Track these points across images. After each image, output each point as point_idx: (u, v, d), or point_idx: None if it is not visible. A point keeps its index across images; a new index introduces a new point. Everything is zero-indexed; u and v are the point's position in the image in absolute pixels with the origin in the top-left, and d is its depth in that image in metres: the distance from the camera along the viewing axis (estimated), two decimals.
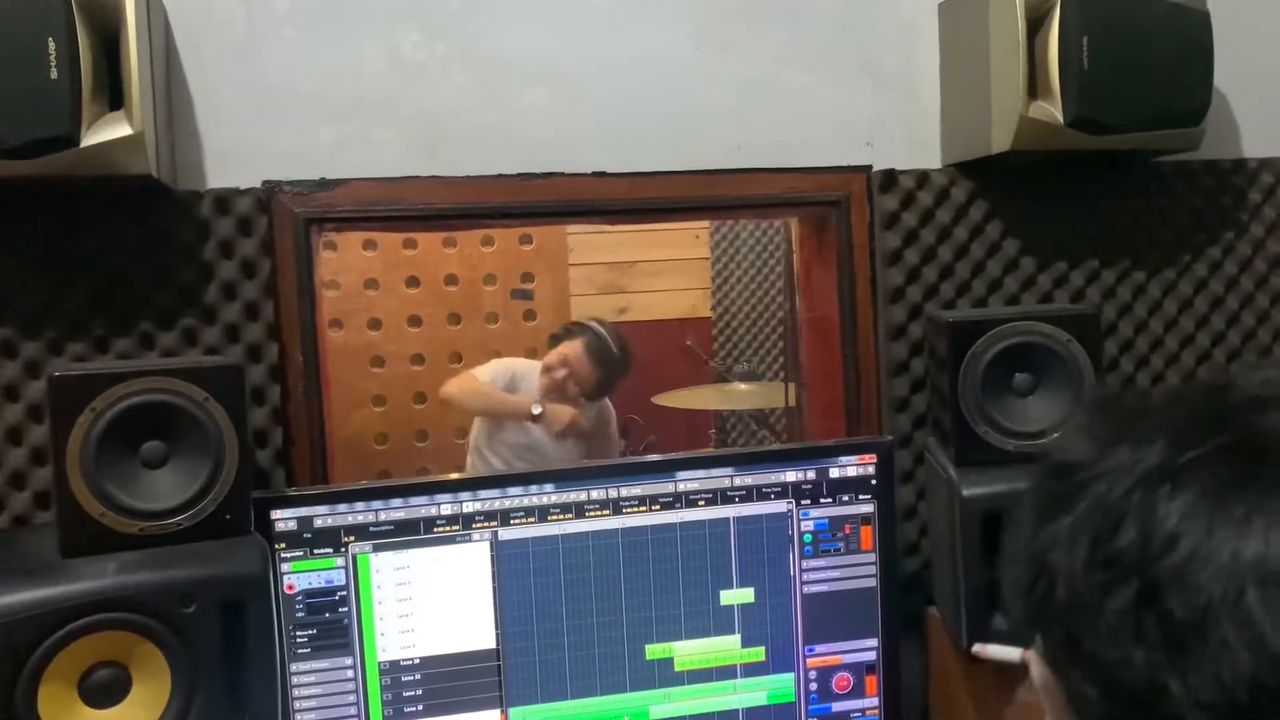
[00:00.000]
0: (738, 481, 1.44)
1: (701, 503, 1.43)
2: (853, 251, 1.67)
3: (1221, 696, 0.50)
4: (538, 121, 1.58)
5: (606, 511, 1.41)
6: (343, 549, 1.34)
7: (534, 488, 1.39)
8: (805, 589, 1.46)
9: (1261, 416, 0.57)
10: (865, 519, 1.47)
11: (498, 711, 1.39)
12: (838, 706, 1.49)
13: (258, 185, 1.48)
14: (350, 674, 1.35)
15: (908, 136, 1.69)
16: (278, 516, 1.32)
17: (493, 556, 1.38)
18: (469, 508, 1.37)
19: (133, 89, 1.25)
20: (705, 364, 4.24)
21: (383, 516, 1.35)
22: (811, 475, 1.46)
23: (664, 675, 1.43)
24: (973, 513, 1.42)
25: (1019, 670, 1.45)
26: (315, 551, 1.33)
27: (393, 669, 1.36)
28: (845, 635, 1.48)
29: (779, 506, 1.45)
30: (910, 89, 1.69)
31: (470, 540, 1.37)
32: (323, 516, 1.34)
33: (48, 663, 1.09)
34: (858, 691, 1.49)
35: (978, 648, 1.07)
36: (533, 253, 4.06)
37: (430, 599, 1.37)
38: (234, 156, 1.49)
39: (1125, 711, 0.55)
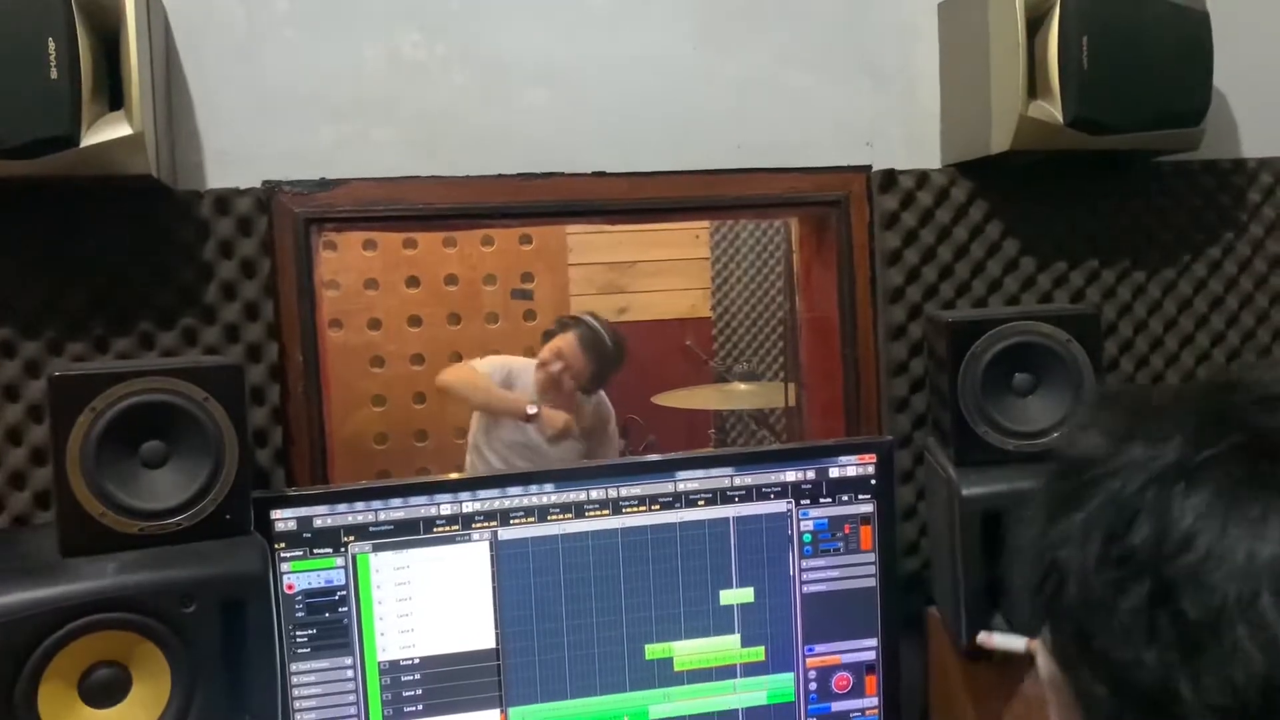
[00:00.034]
0: (737, 481, 1.44)
1: (701, 503, 1.43)
2: (852, 251, 1.67)
3: (1233, 699, 0.50)
4: (538, 121, 1.58)
5: (606, 511, 1.41)
6: (342, 549, 1.34)
7: (534, 487, 1.39)
8: (805, 589, 1.46)
9: (1276, 416, 0.56)
10: (865, 519, 1.47)
11: (497, 711, 1.39)
12: (837, 706, 1.49)
13: (258, 185, 1.48)
14: (350, 674, 1.35)
15: (907, 136, 1.69)
16: (277, 516, 1.32)
17: (492, 556, 1.38)
18: (469, 508, 1.37)
19: (133, 89, 1.25)
20: (705, 364, 4.24)
21: (382, 516, 1.35)
22: (811, 475, 1.46)
23: (664, 675, 1.43)
24: (972, 512, 1.42)
25: (1018, 670, 1.45)
26: (315, 551, 1.34)
27: (392, 669, 1.36)
28: (845, 635, 1.48)
29: (779, 506, 1.45)
30: (910, 89, 1.70)
31: (470, 540, 1.37)
32: (322, 516, 1.34)
33: (48, 662, 1.09)
34: (857, 691, 1.49)
35: (982, 636, 1.06)
36: (532, 253, 4.06)
37: (430, 599, 1.37)
38: (234, 156, 1.49)
39: (1135, 712, 0.54)
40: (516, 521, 1.38)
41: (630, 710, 1.43)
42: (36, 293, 1.40)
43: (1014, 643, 0.99)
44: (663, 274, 4.27)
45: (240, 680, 1.18)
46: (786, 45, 1.66)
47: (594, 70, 1.60)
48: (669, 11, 1.62)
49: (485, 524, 1.38)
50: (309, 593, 1.33)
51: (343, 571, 1.34)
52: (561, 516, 1.39)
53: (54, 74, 1.19)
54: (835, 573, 1.47)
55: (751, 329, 4.33)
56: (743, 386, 3.75)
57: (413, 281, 3.91)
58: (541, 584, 1.39)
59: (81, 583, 1.12)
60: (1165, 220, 1.74)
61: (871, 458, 1.47)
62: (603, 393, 3.23)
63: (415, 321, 3.93)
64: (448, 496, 1.37)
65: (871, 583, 1.48)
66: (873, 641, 1.49)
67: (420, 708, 1.37)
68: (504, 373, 3.18)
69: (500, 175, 1.57)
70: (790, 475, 1.45)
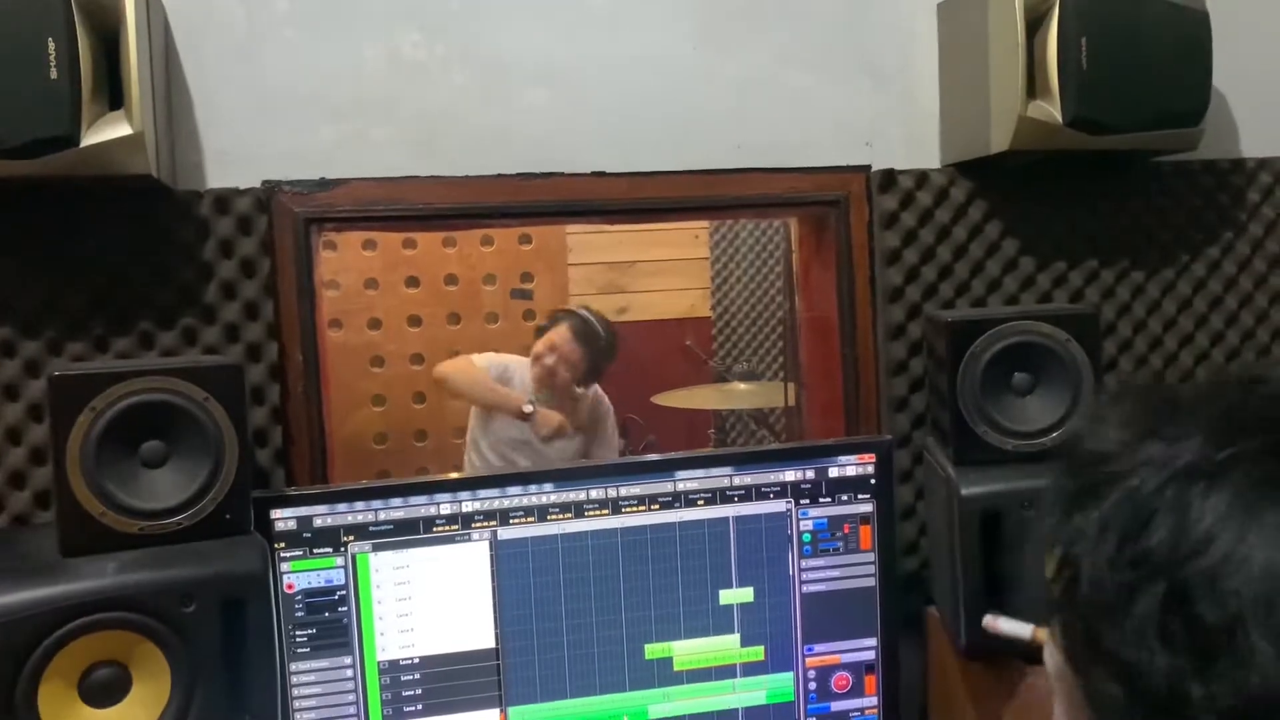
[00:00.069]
0: (737, 481, 1.44)
1: (701, 502, 1.43)
2: (852, 251, 1.67)
3: (1245, 704, 0.49)
4: (537, 121, 1.58)
5: (606, 511, 1.41)
6: (342, 548, 1.34)
7: (533, 487, 1.39)
8: (804, 588, 1.46)
9: None
10: (864, 518, 1.47)
11: (497, 711, 1.39)
12: (837, 706, 1.49)
13: (257, 185, 1.48)
14: (350, 673, 1.35)
15: (907, 136, 1.69)
16: (277, 516, 1.32)
17: (492, 556, 1.38)
18: (468, 507, 1.37)
19: (133, 89, 1.25)
20: (704, 364, 4.24)
21: (382, 516, 1.35)
22: (810, 475, 1.46)
23: (663, 675, 1.44)
24: (971, 512, 1.42)
25: (1018, 669, 1.45)
26: (315, 551, 1.34)
27: (392, 668, 1.36)
28: (844, 635, 1.48)
29: (778, 506, 1.45)
30: (909, 89, 1.70)
31: (469, 540, 1.37)
32: (322, 516, 1.34)
33: (48, 662, 1.09)
34: (857, 691, 1.49)
35: (988, 620, 1.06)
36: (532, 252, 4.06)
37: (429, 598, 1.37)
38: (234, 156, 1.49)
39: (1145, 712, 0.53)
40: (516, 521, 1.38)
41: (630, 710, 1.43)
42: (36, 293, 1.40)
43: (1020, 629, 0.98)
44: (662, 274, 4.27)
45: (240, 680, 1.18)
46: (786, 45, 1.66)
47: (594, 70, 1.60)
48: (669, 11, 1.62)
49: (485, 524, 1.38)
50: (309, 592, 1.34)
51: (342, 571, 1.34)
52: (561, 516, 1.40)
53: (54, 74, 1.19)
54: (835, 572, 1.47)
55: (751, 329, 4.33)
56: (742, 386, 3.75)
57: (412, 281, 3.91)
58: (541, 584, 1.39)
59: (81, 582, 1.12)
60: (1164, 220, 1.74)
61: (871, 457, 1.47)
62: (600, 390, 3.23)
63: (415, 321, 3.93)
64: (447, 496, 1.37)
65: (871, 582, 1.48)
66: (872, 641, 1.49)
67: (420, 707, 1.37)
68: (501, 369, 3.19)
69: (500, 175, 1.57)
70: (790, 475, 1.45)
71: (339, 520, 1.34)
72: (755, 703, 1.47)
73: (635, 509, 1.42)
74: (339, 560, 1.34)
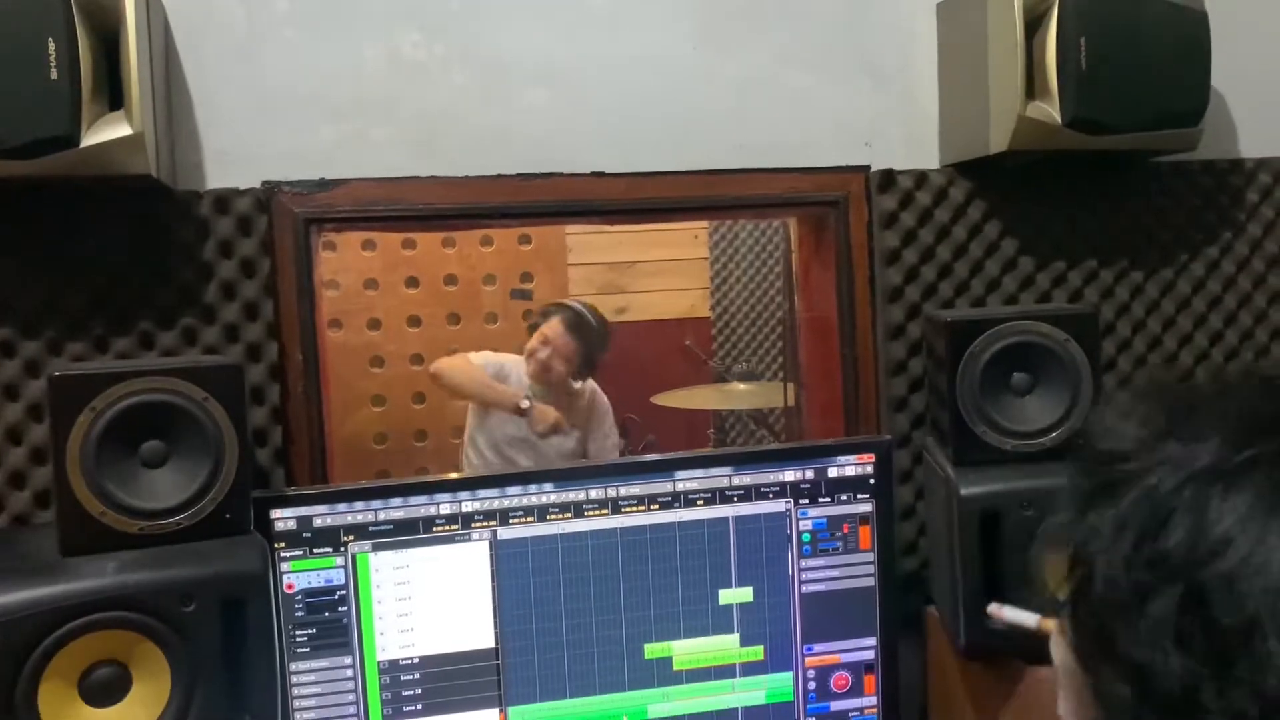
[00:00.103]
0: (736, 481, 1.44)
1: (700, 502, 1.43)
2: (851, 251, 1.67)
3: (1259, 711, 0.49)
4: (537, 121, 1.58)
5: (605, 511, 1.41)
6: (342, 548, 1.35)
7: (533, 487, 1.39)
8: (804, 588, 1.47)
9: None
10: (864, 518, 1.48)
11: (496, 710, 1.40)
12: (836, 705, 1.49)
13: (257, 185, 1.48)
14: (349, 673, 1.35)
15: (906, 136, 1.70)
16: (277, 516, 1.33)
17: (492, 556, 1.38)
18: (468, 507, 1.37)
19: (133, 89, 1.25)
20: (704, 364, 4.24)
21: (382, 516, 1.36)
22: (810, 475, 1.46)
23: (662, 674, 1.44)
24: (971, 512, 1.42)
25: (1017, 669, 1.45)
26: (315, 551, 1.34)
27: (392, 668, 1.36)
28: (844, 634, 1.48)
29: (777, 506, 1.45)
30: (909, 89, 1.70)
31: (469, 540, 1.38)
32: (322, 516, 1.34)
33: (48, 661, 1.09)
34: (856, 690, 1.49)
35: (992, 608, 1.06)
36: (532, 253, 4.06)
37: (429, 598, 1.37)
38: (234, 156, 1.49)
39: (1155, 715, 0.53)
40: (516, 521, 1.38)
41: (629, 709, 1.43)
42: (36, 293, 1.40)
43: (1025, 618, 0.98)
44: (662, 274, 4.27)
45: (240, 679, 1.18)
46: (786, 45, 1.66)
47: (594, 70, 1.60)
48: (669, 11, 1.62)
49: (484, 523, 1.38)
50: (309, 592, 1.34)
51: (342, 571, 1.34)
52: (561, 516, 1.40)
53: (54, 74, 1.19)
54: (834, 572, 1.47)
55: (750, 329, 4.33)
56: (742, 386, 3.75)
57: (412, 282, 3.91)
58: (541, 583, 1.39)
59: (81, 582, 1.12)
60: (1163, 220, 1.74)
61: (870, 457, 1.48)
62: (597, 387, 3.24)
63: (415, 321, 3.93)
64: (447, 496, 1.37)
65: (870, 582, 1.48)
66: (871, 641, 1.49)
67: (419, 707, 1.37)
68: (497, 368, 3.20)
69: (500, 175, 1.57)
70: (789, 475, 1.45)
71: (339, 520, 1.34)
72: (755, 702, 1.47)
73: (635, 509, 1.42)
74: (339, 560, 1.34)
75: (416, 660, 1.37)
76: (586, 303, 3.27)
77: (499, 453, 3.12)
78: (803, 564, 1.46)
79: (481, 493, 1.38)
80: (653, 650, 1.43)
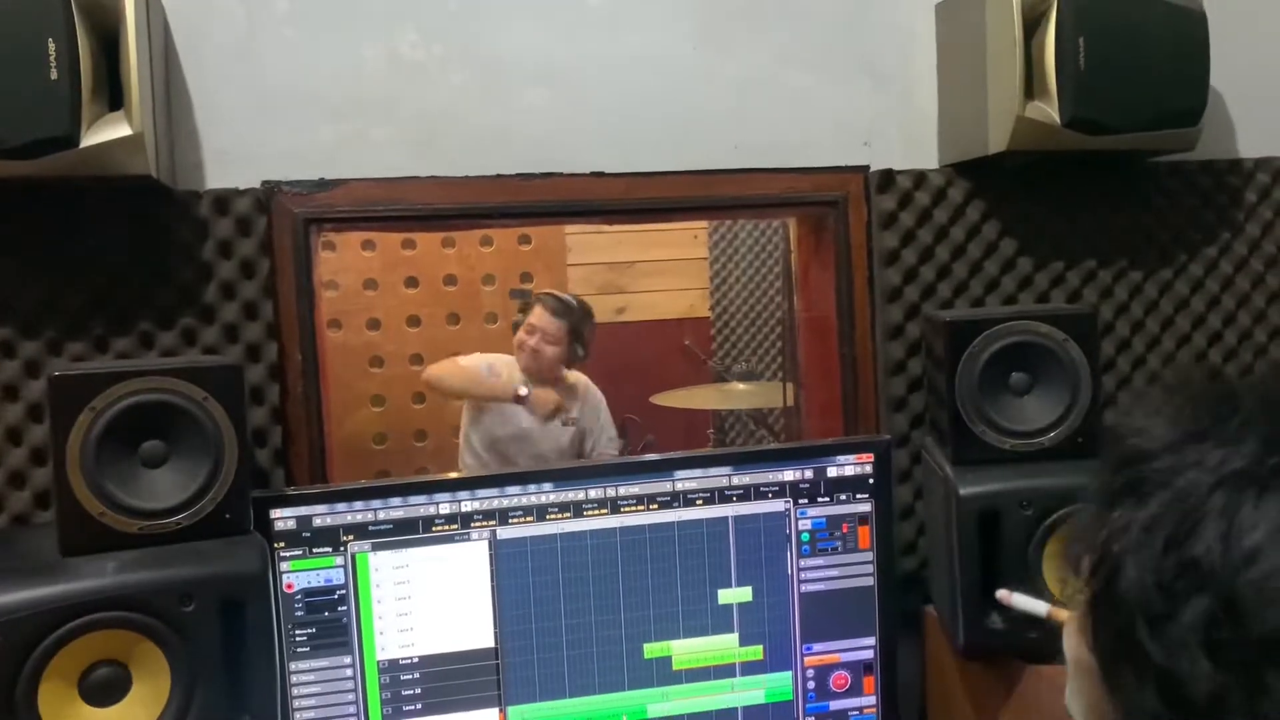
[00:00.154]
0: (735, 481, 1.44)
1: (699, 502, 1.43)
2: (850, 251, 1.67)
3: None
4: (536, 121, 1.59)
5: (604, 511, 1.41)
6: (342, 548, 1.35)
7: (532, 487, 1.39)
8: (803, 588, 1.47)
9: None
10: (863, 518, 1.48)
11: (496, 710, 1.40)
12: (835, 705, 1.49)
13: (257, 185, 1.48)
14: (349, 673, 1.35)
15: (905, 136, 1.70)
16: (277, 516, 1.33)
17: (491, 555, 1.38)
18: (467, 507, 1.37)
19: (132, 89, 1.25)
20: (704, 364, 4.24)
21: (381, 516, 1.36)
22: (809, 474, 1.46)
23: (662, 674, 1.44)
24: (970, 511, 1.43)
25: (1016, 668, 1.46)
26: (314, 550, 1.34)
27: (391, 668, 1.37)
28: (843, 634, 1.48)
29: (777, 505, 1.45)
30: (908, 89, 1.70)
31: (469, 539, 1.38)
32: (322, 516, 1.34)
33: (48, 661, 1.09)
34: (855, 690, 1.49)
35: (1002, 594, 1.06)
36: (531, 253, 4.07)
37: (429, 598, 1.37)
38: (233, 156, 1.49)
39: (1177, 718, 0.52)
40: (515, 521, 1.39)
41: (629, 709, 1.43)
42: (36, 293, 1.40)
43: (1035, 606, 0.98)
44: (661, 274, 4.27)
45: (240, 679, 1.18)
46: (786, 45, 1.66)
47: (593, 70, 1.60)
48: (669, 11, 1.62)
49: (484, 523, 1.38)
50: (308, 592, 1.34)
51: (342, 571, 1.35)
52: (560, 516, 1.40)
53: (54, 74, 1.19)
54: (833, 572, 1.47)
55: (750, 329, 4.33)
56: (741, 386, 3.75)
57: (412, 282, 3.91)
58: (540, 583, 1.40)
59: (81, 582, 1.12)
60: (1162, 220, 1.74)
61: (869, 457, 1.48)
62: (590, 381, 3.25)
63: (414, 322, 3.93)
64: (446, 496, 1.37)
65: (869, 582, 1.48)
66: (870, 640, 1.49)
67: (419, 706, 1.37)
68: (487, 367, 3.22)
69: (499, 175, 1.57)
70: (788, 474, 1.45)
71: (338, 520, 1.34)
72: (754, 702, 1.47)
73: (634, 509, 1.42)
74: (338, 560, 1.34)
75: (416, 660, 1.37)
76: (565, 292, 3.33)
77: (495, 451, 3.13)
78: (802, 564, 1.46)
79: (481, 492, 1.38)
80: (652, 650, 1.43)
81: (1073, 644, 0.63)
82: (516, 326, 3.21)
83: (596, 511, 1.41)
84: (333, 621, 1.35)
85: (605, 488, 1.41)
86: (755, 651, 1.46)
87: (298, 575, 1.33)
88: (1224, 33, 1.55)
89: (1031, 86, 1.49)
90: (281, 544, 1.32)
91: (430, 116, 1.56)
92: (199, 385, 1.22)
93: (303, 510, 1.34)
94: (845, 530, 1.47)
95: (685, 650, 1.44)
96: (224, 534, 1.22)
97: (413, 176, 1.55)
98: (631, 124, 1.61)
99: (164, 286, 1.44)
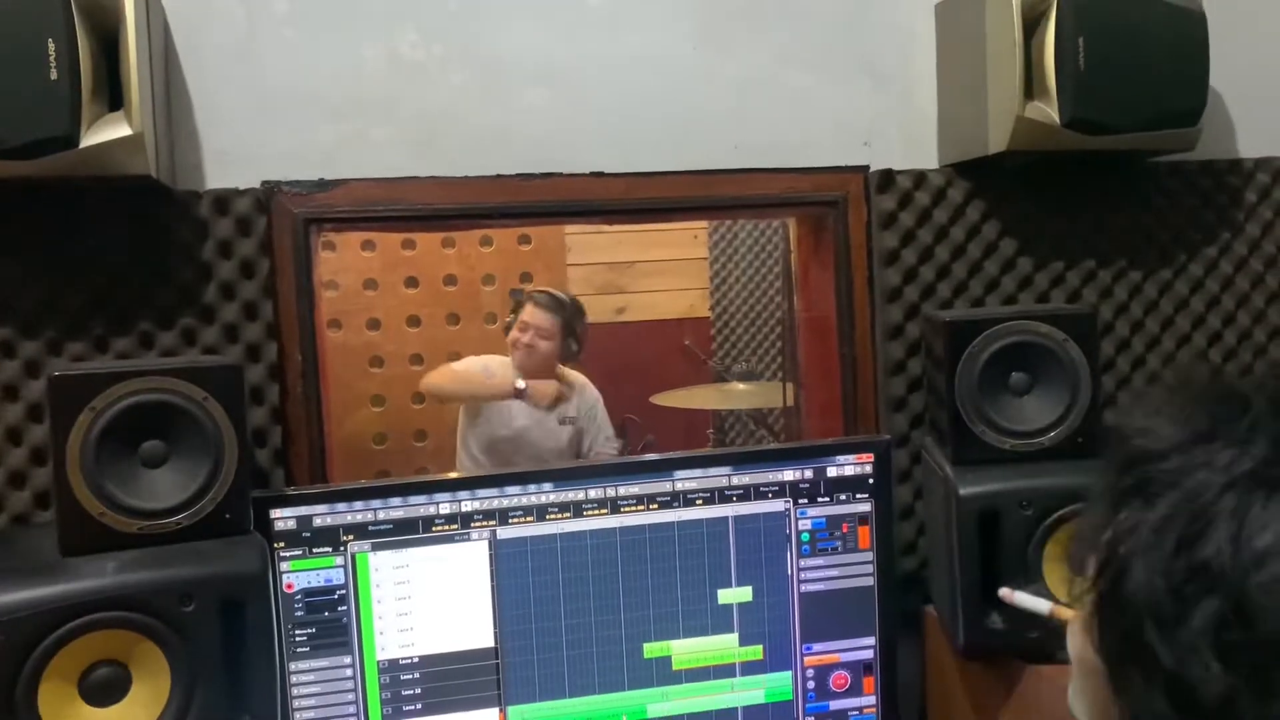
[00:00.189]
0: (735, 481, 1.44)
1: (699, 502, 1.43)
2: (850, 251, 1.67)
3: None
4: (536, 121, 1.59)
5: (604, 510, 1.41)
6: (341, 548, 1.35)
7: (532, 487, 1.39)
8: (803, 588, 1.47)
9: None
10: (862, 518, 1.48)
11: (496, 710, 1.40)
12: (835, 705, 1.49)
13: (257, 185, 1.48)
14: (349, 673, 1.35)
15: (905, 137, 1.70)
16: (277, 515, 1.33)
17: (491, 555, 1.38)
18: (467, 507, 1.37)
19: (132, 89, 1.25)
20: (703, 364, 4.24)
21: (381, 516, 1.36)
22: (809, 474, 1.46)
23: (662, 674, 1.44)
24: (969, 511, 1.43)
25: (1016, 668, 1.46)
26: (314, 550, 1.34)
27: (391, 668, 1.37)
28: (843, 634, 1.48)
29: (776, 505, 1.45)
30: (908, 89, 1.70)
31: (469, 539, 1.38)
32: (322, 516, 1.34)
33: (48, 661, 1.09)
34: (855, 690, 1.49)
35: (1004, 592, 1.07)
36: (531, 253, 4.07)
37: (429, 598, 1.37)
38: (233, 157, 1.49)
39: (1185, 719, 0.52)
40: (515, 521, 1.39)
41: (628, 709, 1.43)
42: (36, 293, 1.40)
43: (1038, 604, 0.98)
44: (661, 274, 4.27)
45: (240, 679, 1.18)
46: (786, 45, 1.66)
47: (593, 70, 1.60)
48: (669, 11, 1.62)
49: (484, 523, 1.38)
50: (308, 592, 1.34)
51: (342, 571, 1.35)
52: (560, 516, 1.40)
53: (54, 74, 1.20)
54: (833, 572, 1.47)
55: (750, 329, 4.33)
56: (741, 386, 3.75)
57: (411, 282, 3.91)
58: (540, 583, 1.40)
59: (81, 582, 1.12)
60: (1162, 220, 1.74)
61: (869, 457, 1.48)
62: (585, 379, 3.25)
63: (414, 322, 3.93)
64: (446, 496, 1.37)
65: (869, 582, 1.48)
66: (870, 640, 1.49)
67: (419, 706, 1.37)
68: (482, 366, 3.24)
69: (499, 175, 1.57)
70: (788, 474, 1.46)
71: (338, 520, 1.34)
72: (754, 702, 1.47)
73: (634, 508, 1.42)
74: (338, 560, 1.34)
75: (416, 660, 1.37)
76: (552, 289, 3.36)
77: (493, 454, 3.13)
78: (802, 563, 1.46)
79: (481, 492, 1.38)
80: (652, 650, 1.43)
81: (1078, 644, 0.63)
82: (509, 328, 3.21)
83: (596, 511, 1.41)
84: (333, 621, 1.35)
85: (605, 488, 1.41)
86: (755, 651, 1.46)
87: (298, 575, 1.33)
88: (1224, 33, 1.55)
89: (1031, 86, 1.49)
90: (281, 544, 1.33)
91: (430, 116, 1.56)
92: (199, 385, 1.22)
93: (303, 510, 1.34)
94: (845, 530, 1.47)
95: (685, 650, 1.44)
96: (224, 534, 1.22)
97: (413, 176, 1.55)
98: (631, 124, 1.61)
99: (164, 286, 1.45)
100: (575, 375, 3.24)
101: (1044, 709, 1.40)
